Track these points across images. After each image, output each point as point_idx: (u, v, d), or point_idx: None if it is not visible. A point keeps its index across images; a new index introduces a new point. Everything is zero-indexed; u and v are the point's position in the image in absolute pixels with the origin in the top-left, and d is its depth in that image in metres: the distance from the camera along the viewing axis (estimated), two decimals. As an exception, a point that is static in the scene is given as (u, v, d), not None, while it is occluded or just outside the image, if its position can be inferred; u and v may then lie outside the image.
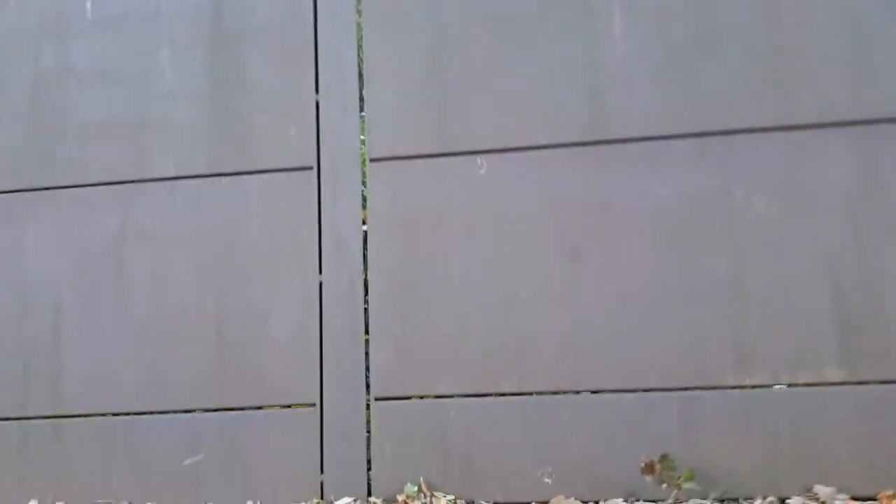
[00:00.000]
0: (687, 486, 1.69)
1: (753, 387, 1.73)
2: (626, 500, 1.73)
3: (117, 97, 2.07)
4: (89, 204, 2.04)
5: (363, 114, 1.98)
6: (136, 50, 2.09)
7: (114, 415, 1.94)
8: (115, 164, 2.04)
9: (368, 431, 1.86)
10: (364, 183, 1.96)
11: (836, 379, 1.72)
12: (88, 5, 2.14)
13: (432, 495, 1.78)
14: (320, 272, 1.93)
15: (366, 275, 1.91)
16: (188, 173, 2.02)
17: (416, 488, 1.79)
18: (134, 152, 2.04)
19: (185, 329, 1.94)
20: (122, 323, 1.97)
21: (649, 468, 1.71)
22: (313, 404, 1.88)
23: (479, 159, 1.92)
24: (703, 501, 1.68)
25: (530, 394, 1.81)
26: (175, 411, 1.92)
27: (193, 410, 1.91)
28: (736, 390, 1.74)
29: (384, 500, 1.80)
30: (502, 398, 1.82)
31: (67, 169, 2.06)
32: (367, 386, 1.87)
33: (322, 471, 1.86)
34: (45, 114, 2.10)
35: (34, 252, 2.03)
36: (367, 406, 1.87)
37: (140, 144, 2.04)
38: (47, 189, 2.06)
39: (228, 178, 2.00)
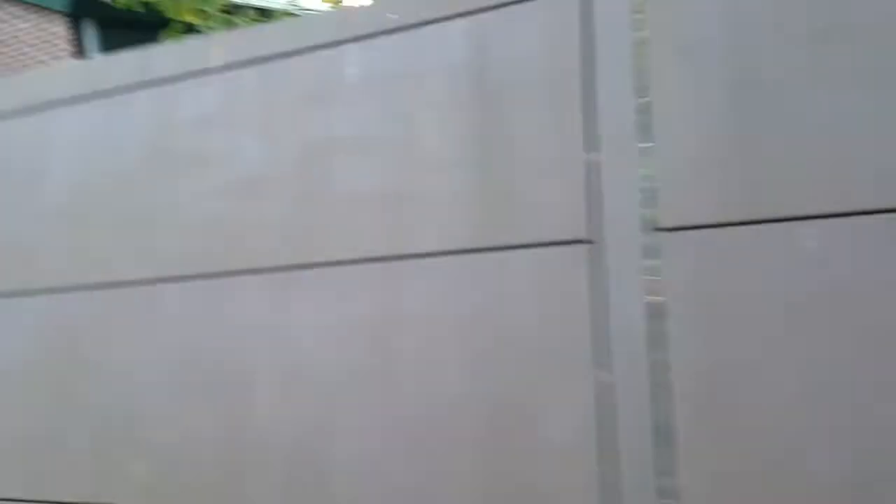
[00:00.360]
0: None
1: None
2: None
3: (377, 165, 1.92)
4: (350, 281, 1.90)
5: (649, 173, 1.66)
6: (397, 114, 1.92)
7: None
8: (374, 239, 1.89)
9: (672, 577, 1.50)
10: (653, 258, 1.62)
11: None
12: (350, 70, 2.02)
13: None
14: (603, 367, 1.62)
15: (662, 373, 1.57)
16: (450, 248, 1.81)
17: None
18: (394, 225, 1.88)
19: (453, 426, 1.72)
20: (388, 415, 1.80)
21: None
22: (600, 534, 1.56)
23: (804, 227, 1.50)
24: None
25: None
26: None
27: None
28: None
29: None
30: (856, 552, 1.37)
31: (327, 244, 1.94)
32: (668, 517, 1.52)
33: None
34: (306, 186, 2.00)
35: (297, 333, 1.94)
36: (669, 543, 1.51)
37: (400, 216, 1.87)
38: (309, 266, 1.96)
39: (492, 254, 1.76)
